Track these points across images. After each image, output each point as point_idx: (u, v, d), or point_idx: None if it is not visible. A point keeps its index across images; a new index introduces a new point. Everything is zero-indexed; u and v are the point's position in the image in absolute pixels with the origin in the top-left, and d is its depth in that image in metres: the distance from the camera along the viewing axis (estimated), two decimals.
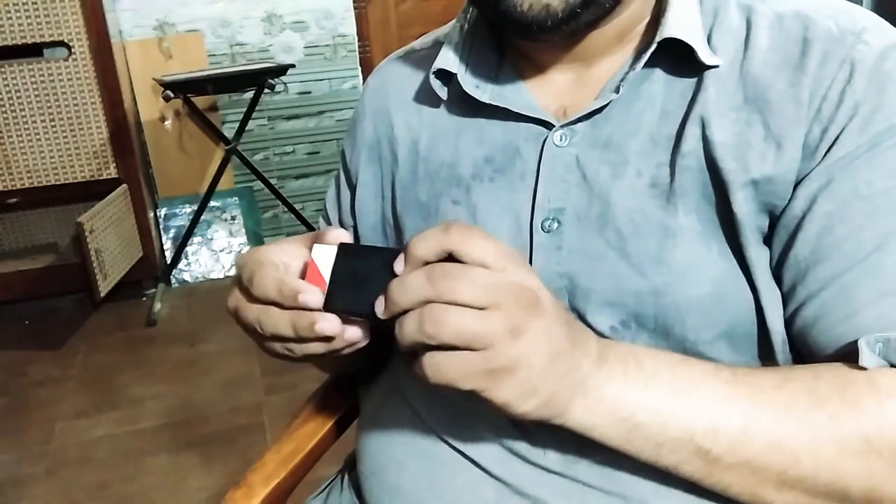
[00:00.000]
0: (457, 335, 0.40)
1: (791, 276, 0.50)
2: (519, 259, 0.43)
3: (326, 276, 0.47)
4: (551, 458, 0.55)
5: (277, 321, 0.47)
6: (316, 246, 0.48)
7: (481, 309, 0.41)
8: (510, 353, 0.41)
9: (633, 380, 0.46)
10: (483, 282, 0.41)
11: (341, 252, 0.47)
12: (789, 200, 0.50)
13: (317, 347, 0.47)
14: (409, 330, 0.41)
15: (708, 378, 0.47)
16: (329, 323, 0.45)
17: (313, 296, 0.45)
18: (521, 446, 0.56)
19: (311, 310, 0.46)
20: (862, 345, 0.46)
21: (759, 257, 0.51)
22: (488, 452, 0.58)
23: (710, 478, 0.47)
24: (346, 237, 0.48)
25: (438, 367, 0.41)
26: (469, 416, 0.59)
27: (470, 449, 0.58)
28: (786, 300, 0.51)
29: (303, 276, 0.48)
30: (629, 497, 0.53)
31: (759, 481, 0.46)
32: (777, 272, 0.51)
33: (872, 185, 0.48)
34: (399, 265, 0.43)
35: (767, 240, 0.51)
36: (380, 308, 0.43)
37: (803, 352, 0.51)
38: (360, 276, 0.45)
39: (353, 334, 0.47)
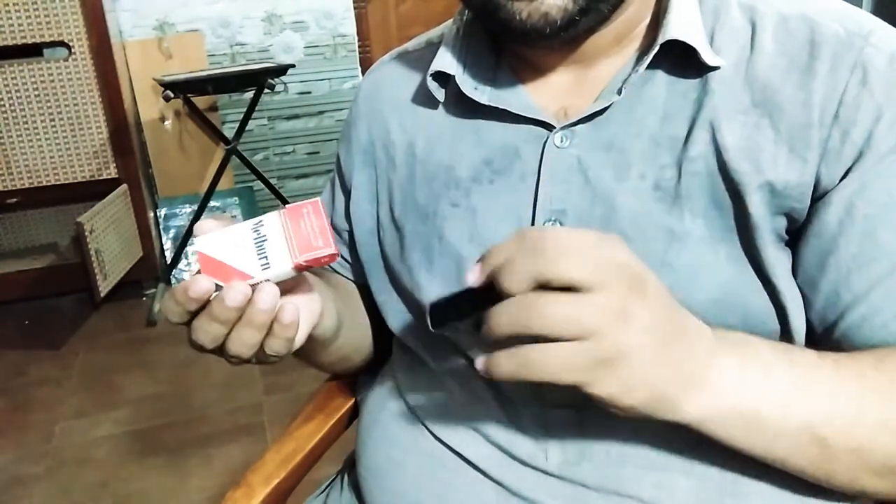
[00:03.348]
0: (559, 322, 0.37)
1: (832, 281, 0.50)
2: (618, 240, 0.41)
3: (222, 258, 0.46)
4: (551, 461, 0.55)
5: (199, 326, 0.47)
6: (196, 240, 0.48)
7: (584, 291, 0.37)
8: (617, 341, 0.38)
9: (751, 370, 0.44)
10: (588, 259, 0.37)
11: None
12: (821, 207, 0.50)
13: (251, 335, 0.47)
14: (505, 319, 0.38)
15: (819, 364, 0.47)
16: (200, 283, 0.45)
17: (202, 282, 0.45)
18: (521, 449, 0.56)
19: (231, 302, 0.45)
20: None
21: (778, 260, 0.51)
22: (487, 455, 0.58)
23: (820, 467, 0.47)
24: (216, 225, 0.48)
25: (538, 361, 0.38)
26: (468, 419, 0.59)
27: (469, 451, 0.58)
28: (824, 305, 0.51)
29: (198, 272, 0.48)
30: (629, 499, 0.53)
31: (863, 466, 0.46)
32: (812, 278, 0.51)
33: None
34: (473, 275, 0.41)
35: (791, 244, 0.52)
36: (473, 277, 0.40)
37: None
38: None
39: (236, 294, 0.45)
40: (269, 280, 0.46)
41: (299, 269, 0.47)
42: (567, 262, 0.37)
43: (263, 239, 0.47)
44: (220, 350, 0.49)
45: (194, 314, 0.48)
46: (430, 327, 0.44)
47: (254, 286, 0.46)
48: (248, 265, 0.46)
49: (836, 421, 0.45)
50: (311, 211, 0.47)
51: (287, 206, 0.48)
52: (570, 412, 0.55)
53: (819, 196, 0.50)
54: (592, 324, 0.37)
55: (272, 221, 0.47)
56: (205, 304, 0.47)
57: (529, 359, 0.38)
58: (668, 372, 0.41)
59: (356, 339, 0.72)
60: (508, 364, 0.39)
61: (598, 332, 0.38)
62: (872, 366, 0.47)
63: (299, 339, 0.52)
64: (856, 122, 0.49)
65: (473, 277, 0.41)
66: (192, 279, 0.46)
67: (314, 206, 0.47)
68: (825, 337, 0.52)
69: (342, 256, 0.73)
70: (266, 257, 0.46)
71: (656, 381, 0.41)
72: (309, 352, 0.62)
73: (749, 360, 0.45)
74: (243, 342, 0.48)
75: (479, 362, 0.40)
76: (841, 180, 0.49)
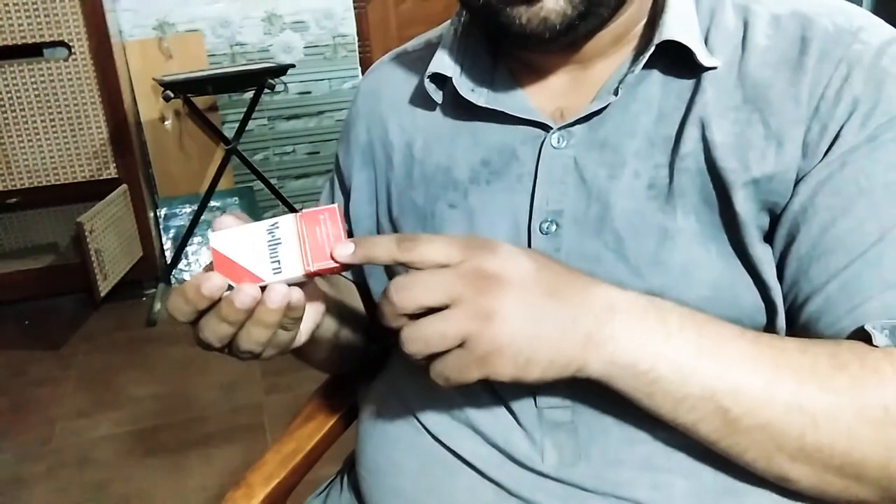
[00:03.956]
0: (434, 343, 0.42)
1: (793, 271, 0.50)
2: (475, 243, 0.44)
3: (235, 257, 0.46)
4: (548, 462, 0.55)
5: (206, 325, 0.47)
6: (212, 236, 0.47)
7: (447, 307, 0.42)
8: (486, 338, 0.42)
9: (654, 332, 0.45)
10: (435, 282, 0.43)
11: None
12: (790, 197, 0.50)
13: (259, 333, 0.48)
14: (407, 349, 0.44)
15: (734, 338, 0.47)
16: (213, 280, 0.45)
17: (215, 279, 0.45)
18: (518, 450, 0.56)
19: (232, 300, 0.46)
20: (870, 329, 0.46)
21: (764, 256, 0.51)
22: (486, 455, 0.58)
23: (727, 439, 0.47)
24: (235, 222, 0.48)
25: (440, 373, 0.44)
26: (466, 419, 0.59)
27: (467, 451, 0.58)
28: (788, 295, 0.51)
29: (211, 268, 0.47)
30: (626, 501, 0.53)
31: (776, 446, 0.46)
32: (779, 267, 0.51)
33: (873, 177, 0.48)
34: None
35: (768, 237, 0.52)
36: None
37: None
38: None
39: (246, 296, 0.46)
40: (278, 284, 0.46)
41: (310, 276, 0.47)
42: (421, 295, 0.43)
43: (277, 242, 0.46)
44: (228, 347, 0.50)
45: (201, 313, 0.47)
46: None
47: (263, 287, 0.46)
48: (260, 268, 0.46)
49: (741, 393, 0.45)
50: (327, 218, 0.47)
51: (304, 210, 0.47)
52: (566, 413, 0.55)
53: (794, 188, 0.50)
54: (459, 332, 0.42)
55: (287, 225, 0.47)
56: (213, 303, 0.47)
57: (436, 372, 0.44)
58: (556, 338, 0.44)
59: (355, 339, 0.72)
60: (431, 373, 0.45)
61: (469, 337, 0.42)
62: (798, 348, 0.47)
63: (305, 333, 0.53)
64: (833, 116, 0.49)
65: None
66: (204, 276, 0.46)
67: (331, 213, 0.47)
68: (794, 326, 0.52)
69: None
70: (279, 261, 0.46)
71: (543, 353, 0.44)
72: (308, 351, 0.62)
73: (653, 323, 0.46)
74: (252, 340, 0.48)
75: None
76: (810, 171, 0.49)
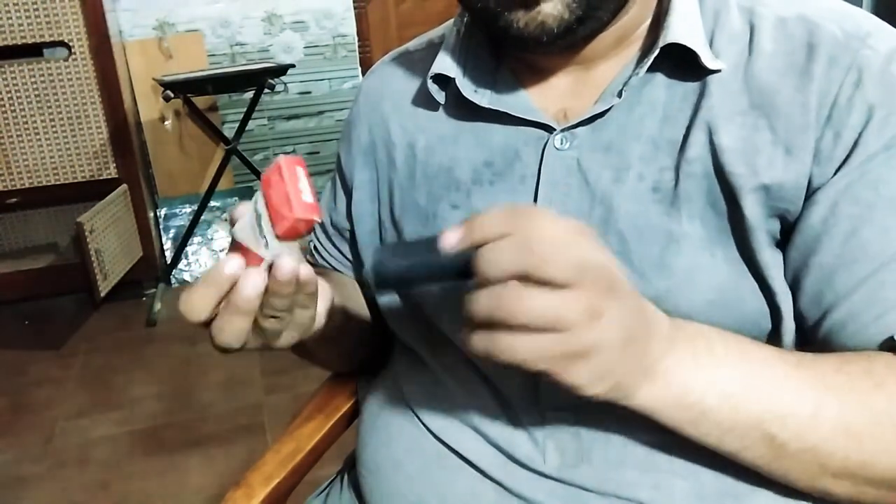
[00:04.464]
0: (537, 317, 0.38)
1: (815, 280, 0.50)
2: (592, 236, 0.42)
3: (244, 242, 0.46)
4: (549, 463, 0.55)
5: (223, 325, 0.46)
6: (234, 230, 0.47)
7: (561, 288, 0.39)
8: (587, 337, 0.39)
9: (703, 363, 0.45)
10: (569, 261, 0.38)
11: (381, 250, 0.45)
12: (807, 206, 0.50)
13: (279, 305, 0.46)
14: (485, 305, 0.39)
15: (776, 363, 0.47)
16: (231, 261, 0.45)
17: (231, 260, 0.45)
18: (520, 451, 0.56)
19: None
20: None
21: (772, 261, 0.51)
22: (488, 455, 0.58)
23: (773, 463, 0.47)
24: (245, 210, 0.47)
25: (513, 347, 0.39)
26: (468, 419, 0.59)
27: (469, 451, 0.58)
28: (808, 305, 0.51)
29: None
30: (627, 501, 0.53)
31: (821, 467, 0.46)
32: (796, 278, 0.51)
33: (892, 185, 0.48)
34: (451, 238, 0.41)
35: (781, 245, 0.52)
36: (450, 243, 0.41)
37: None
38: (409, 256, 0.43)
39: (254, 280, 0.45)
40: (279, 256, 0.45)
41: (284, 240, 0.45)
42: (551, 265, 0.38)
43: (259, 216, 0.45)
44: (250, 340, 0.49)
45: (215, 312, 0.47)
46: (373, 287, 0.45)
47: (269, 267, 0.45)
48: (258, 246, 0.45)
49: (788, 419, 0.45)
50: (277, 177, 0.44)
51: (262, 176, 0.46)
52: (568, 415, 0.55)
53: (809, 196, 0.50)
54: (568, 320, 0.39)
55: (259, 197, 0.46)
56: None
57: (504, 344, 0.39)
58: (631, 364, 0.43)
59: (358, 337, 0.72)
60: (481, 344, 0.40)
61: (573, 328, 0.39)
62: (835, 368, 0.47)
63: (322, 315, 0.52)
64: (847, 124, 0.49)
65: (450, 243, 0.41)
66: (223, 259, 0.45)
67: (277, 169, 0.44)
68: (811, 337, 0.52)
69: (343, 255, 0.73)
70: (265, 235, 0.45)
71: (620, 373, 0.42)
72: (313, 348, 0.62)
73: (702, 352, 0.46)
74: (272, 321, 0.47)
75: (460, 337, 0.42)
76: (829, 180, 0.49)
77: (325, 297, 0.55)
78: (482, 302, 0.39)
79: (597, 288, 0.39)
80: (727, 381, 0.45)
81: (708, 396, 0.45)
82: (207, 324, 0.47)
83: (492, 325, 0.39)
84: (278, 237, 0.45)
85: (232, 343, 0.47)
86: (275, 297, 0.46)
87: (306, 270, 0.46)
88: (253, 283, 0.44)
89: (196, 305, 0.46)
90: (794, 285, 0.51)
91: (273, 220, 0.44)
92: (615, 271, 0.41)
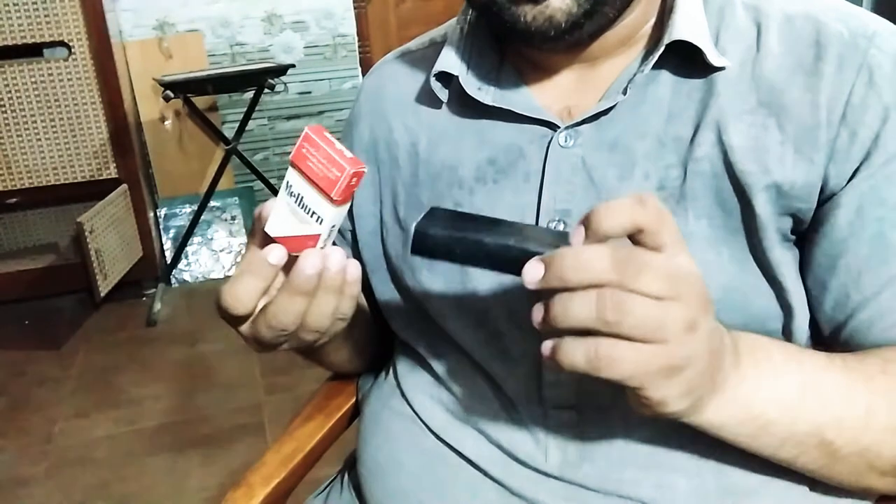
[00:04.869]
0: (640, 325, 0.36)
1: (842, 283, 0.50)
2: (686, 247, 0.40)
3: (287, 232, 0.46)
4: (551, 461, 0.55)
5: (280, 309, 0.46)
6: (269, 227, 0.47)
7: (659, 299, 0.37)
8: (684, 351, 0.38)
9: (764, 375, 0.45)
10: (666, 271, 0.37)
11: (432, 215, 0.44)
12: (831, 208, 0.50)
13: (327, 303, 0.47)
14: (581, 312, 0.36)
15: (828, 367, 0.47)
16: (275, 250, 0.46)
17: (275, 249, 0.45)
18: (521, 450, 0.56)
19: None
20: None
21: (783, 259, 0.51)
22: (488, 455, 0.57)
23: (824, 469, 0.48)
24: (271, 206, 0.47)
25: (611, 359, 0.37)
26: (469, 418, 0.59)
27: (470, 451, 0.58)
28: (834, 306, 0.51)
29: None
30: (629, 500, 0.53)
31: (869, 466, 0.47)
32: (822, 280, 0.51)
33: None
34: (579, 237, 0.38)
35: (797, 243, 0.52)
36: (535, 274, 0.38)
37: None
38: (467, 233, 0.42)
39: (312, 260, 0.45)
40: (333, 227, 0.46)
41: (342, 203, 0.46)
42: (649, 274, 0.37)
43: (301, 197, 0.46)
44: (288, 338, 0.49)
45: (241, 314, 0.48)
46: (410, 248, 0.44)
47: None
48: (309, 227, 0.46)
49: (844, 424, 0.46)
50: (309, 147, 0.45)
51: (291, 157, 0.46)
52: (570, 413, 0.55)
53: (827, 197, 0.50)
54: (670, 331, 0.37)
55: (293, 177, 0.46)
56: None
57: (604, 354, 0.37)
58: (709, 379, 0.42)
59: (364, 337, 0.72)
60: (579, 354, 0.37)
61: (672, 340, 0.37)
62: (880, 369, 0.47)
63: (350, 308, 0.51)
64: (864, 123, 0.49)
65: (531, 279, 0.38)
66: (266, 249, 0.46)
67: (307, 140, 0.45)
68: (833, 337, 0.52)
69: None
70: (313, 212, 0.46)
71: (700, 389, 0.41)
72: (322, 350, 0.62)
73: (763, 363, 0.46)
74: (322, 311, 0.47)
75: (547, 348, 0.39)
76: (849, 180, 0.49)
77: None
78: (582, 305, 0.36)
79: (695, 301, 0.38)
80: (787, 393, 0.46)
81: (770, 410, 0.45)
82: (240, 321, 0.48)
83: (586, 332, 0.37)
84: (335, 202, 0.45)
85: (287, 325, 0.47)
86: (325, 292, 0.46)
87: (354, 265, 0.47)
88: (312, 263, 0.45)
89: (241, 297, 0.46)
90: (820, 286, 0.52)
91: (324, 188, 0.45)
92: (704, 284, 0.40)
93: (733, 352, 0.44)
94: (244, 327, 0.50)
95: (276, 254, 0.46)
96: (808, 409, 0.46)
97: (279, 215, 0.47)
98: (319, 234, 0.46)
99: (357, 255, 0.70)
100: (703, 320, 0.39)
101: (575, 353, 0.37)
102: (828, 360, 0.48)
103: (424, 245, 0.44)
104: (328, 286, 0.46)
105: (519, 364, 0.57)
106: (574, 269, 0.37)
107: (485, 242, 0.41)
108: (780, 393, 0.45)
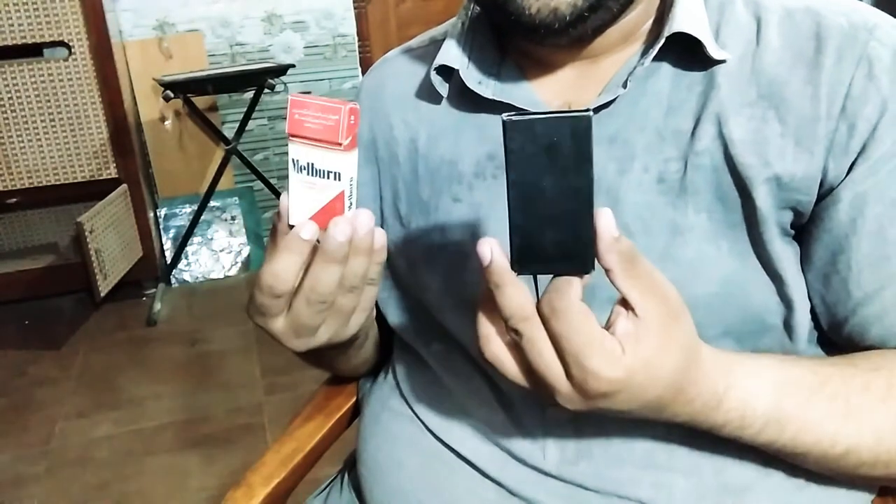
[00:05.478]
0: (544, 370, 0.43)
1: (843, 278, 0.51)
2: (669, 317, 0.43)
3: (312, 208, 0.47)
4: (549, 460, 0.55)
5: (318, 276, 0.46)
6: (292, 216, 0.47)
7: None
8: (572, 404, 0.45)
9: (748, 429, 0.47)
10: (613, 363, 0.42)
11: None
12: (830, 204, 0.50)
13: (358, 267, 0.47)
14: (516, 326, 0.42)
15: (807, 395, 0.48)
16: (308, 225, 0.46)
17: (307, 225, 0.46)
18: (520, 449, 0.56)
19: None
20: None
21: (783, 252, 0.51)
22: (487, 454, 0.57)
23: (827, 469, 0.51)
24: (286, 197, 0.48)
25: (503, 363, 0.45)
26: (468, 418, 0.59)
27: (468, 450, 0.58)
28: (835, 302, 0.51)
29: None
30: (627, 500, 0.53)
31: (863, 471, 0.50)
32: (824, 276, 0.52)
33: None
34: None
35: (797, 237, 0.52)
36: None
37: (858, 348, 0.52)
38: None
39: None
40: (352, 180, 0.46)
41: (351, 147, 0.46)
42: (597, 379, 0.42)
43: (311, 165, 0.46)
44: (324, 323, 0.50)
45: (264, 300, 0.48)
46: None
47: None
48: (329, 191, 0.46)
49: (828, 453, 0.49)
50: (299, 110, 0.46)
51: (287, 129, 0.47)
52: (569, 412, 0.55)
53: (826, 190, 0.50)
54: (564, 391, 0.44)
55: (296, 151, 0.47)
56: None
57: (495, 355, 0.45)
58: (688, 410, 0.45)
59: (371, 339, 0.72)
60: (494, 346, 0.45)
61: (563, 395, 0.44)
62: (862, 385, 0.49)
63: (378, 273, 0.51)
64: (862, 115, 0.49)
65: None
66: (296, 228, 0.46)
67: (295, 104, 0.46)
68: (834, 333, 0.52)
69: None
70: (328, 172, 0.46)
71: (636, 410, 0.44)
72: (333, 355, 0.63)
73: (748, 417, 0.48)
74: (356, 273, 0.47)
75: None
76: (848, 174, 0.50)
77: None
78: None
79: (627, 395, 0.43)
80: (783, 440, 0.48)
81: (768, 429, 0.48)
82: (275, 314, 0.48)
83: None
84: (345, 147, 0.45)
85: (327, 296, 0.47)
86: (357, 255, 0.47)
87: (380, 234, 0.47)
88: (342, 230, 0.45)
89: (280, 273, 0.46)
90: (821, 282, 0.52)
91: (328, 139, 0.45)
92: (656, 375, 0.42)
93: (714, 408, 0.46)
94: (279, 323, 0.49)
95: (309, 229, 0.46)
96: (795, 442, 0.48)
97: (297, 199, 0.47)
98: (343, 191, 0.46)
99: None
100: (623, 401, 0.43)
101: (490, 346, 0.44)
102: (809, 386, 0.48)
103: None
104: (359, 248, 0.46)
105: None
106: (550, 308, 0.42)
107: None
108: (762, 435, 0.48)
